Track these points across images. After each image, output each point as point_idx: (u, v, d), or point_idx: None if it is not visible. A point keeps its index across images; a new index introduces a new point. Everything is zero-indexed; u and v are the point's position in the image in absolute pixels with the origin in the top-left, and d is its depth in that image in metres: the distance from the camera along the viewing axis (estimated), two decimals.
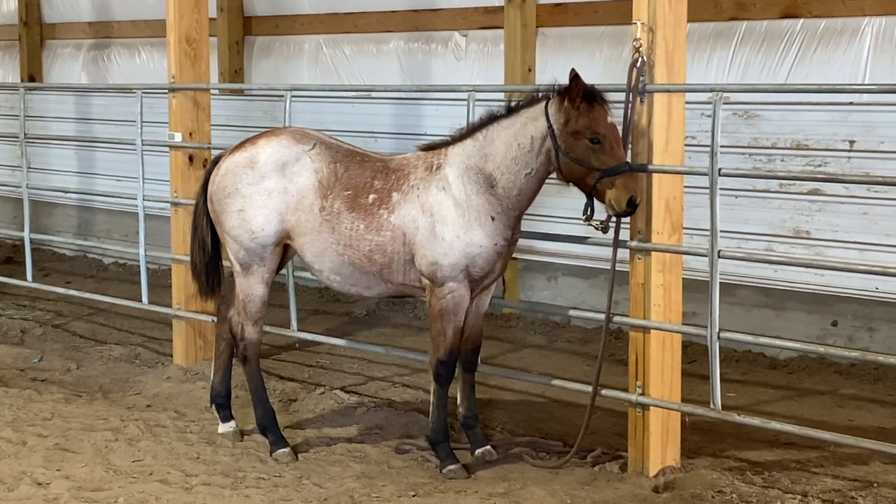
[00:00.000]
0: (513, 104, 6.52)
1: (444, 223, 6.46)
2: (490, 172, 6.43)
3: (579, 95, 6.16)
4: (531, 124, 6.36)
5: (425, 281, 6.57)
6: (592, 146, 6.15)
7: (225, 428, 7.38)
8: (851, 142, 8.56)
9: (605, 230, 6.48)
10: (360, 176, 6.71)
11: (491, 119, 6.53)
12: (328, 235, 6.71)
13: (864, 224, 8.52)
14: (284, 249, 7.01)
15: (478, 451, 6.92)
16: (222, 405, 7.42)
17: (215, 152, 9.57)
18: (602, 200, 6.26)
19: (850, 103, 8.68)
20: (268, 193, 6.79)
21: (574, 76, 6.18)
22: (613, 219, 6.43)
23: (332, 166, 6.77)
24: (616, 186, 6.14)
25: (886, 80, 8.79)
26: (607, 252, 6.68)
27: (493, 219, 6.45)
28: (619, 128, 6.30)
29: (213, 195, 7.05)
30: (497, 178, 6.42)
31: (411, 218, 6.54)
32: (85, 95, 14.10)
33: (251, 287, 7.00)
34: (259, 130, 11.59)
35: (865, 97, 8.73)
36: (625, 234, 6.60)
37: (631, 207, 6.17)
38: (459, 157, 6.53)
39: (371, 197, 6.64)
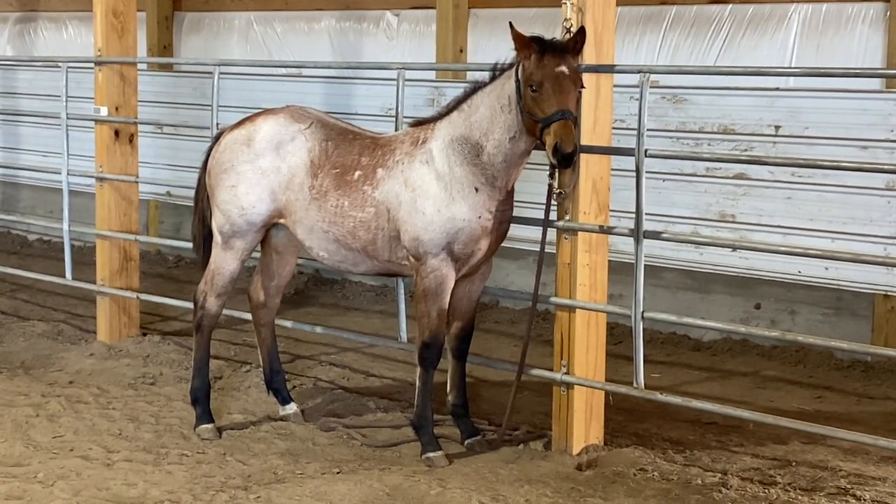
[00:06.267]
0: (497, 71, 6.35)
1: (425, 197, 6.35)
2: (476, 140, 6.29)
3: (521, 45, 6.04)
4: (507, 84, 6.22)
5: (412, 259, 6.47)
6: (533, 94, 5.99)
7: (286, 410, 7.29)
8: (777, 127, 8.66)
9: (557, 195, 6.43)
10: (349, 154, 6.66)
11: (475, 88, 6.40)
12: (315, 213, 6.65)
13: (788, 209, 8.65)
14: (266, 233, 6.97)
15: (467, 442, 6.80)
16: (279, 389, 7.34)
17: (142, 128, 9.51)
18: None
19: (777, 89, 8.79)
20: (262, 172, 6.75)
21: (510, 28, 6.06)
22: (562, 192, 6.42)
23: (324, 144, 6.71)
24: (549, 134, 5.95)
25: (812, 65, 8.90)
26: (536, 233, 6.69)
27: (476, 190, 6.31)
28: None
29: (211, 169, 7.00)
30: (483, 144, 6.27)
31: (394, 193, 6.45)
32: (10, 69, 13.87)
33: (226, 261, 6.95)
34: (187, 107, 11.68)
35: (791, 83, 8.84)
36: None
37: (558, 155, 5.90)
38: (445, 129, 6.41)
39: (357, 174, 6.58)
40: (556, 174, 6.38)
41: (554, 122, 5.93)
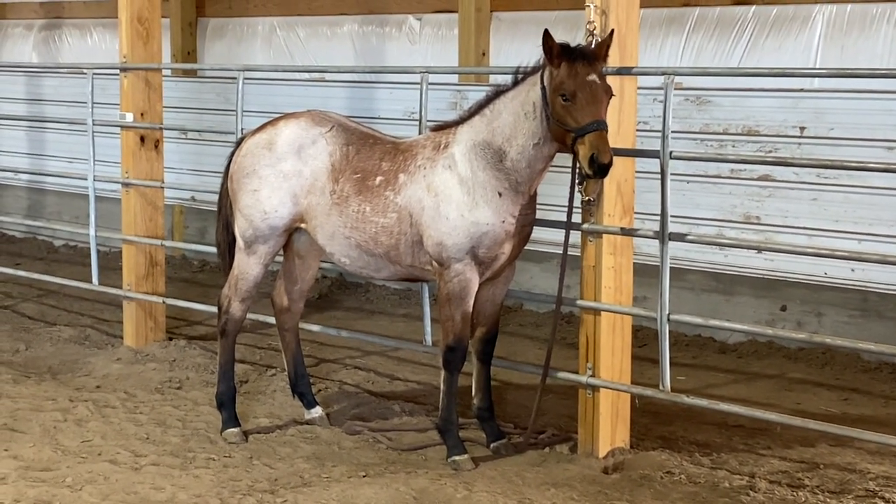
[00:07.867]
0: (519, 76, 6.33)
1: (448, 202, 6.32)
2: (499, 146, 6.26)
3: (552, 53, 5.99)
4: (532, 91, 6.17)
5: (435, 264, 6.45)
6: (564, 104, 5.93)
7: (312, 414, 7.32)
8: (802, 128, 8.63)
9: (586, 202, 6.43)
10: (370, 158, 6.64)
11: (497, 93, 6.37)
12: (336, 218, 6.65)
13: (814, 210, 8.61)
14: (288, 237, 6.98)
15: (493, 445, 6.79)
16: (304, 393, 7.37)
17: (167, 133, 9.55)
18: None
19: (801, 90, 8.76)
20: (283, 176, 6.75)
21: (544, 34, 6.01)
22: (591, 200, 6.42)
23: (345, 149, 6.70)
24: (584, 144, 5.89)
25: (836, 66, 8.86)
26: (560, 236, 6.68)
27: (500, 195, 6.28)
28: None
29: (233, 174, 7.01)
30: (506, 150, 6.24)
31: (417, 198, 6.43)
32: (35, 76, 13.96)
33: (249, 266, 6.97)
34: (212, 112, 11.74)
35: (816, 84, 8.81)
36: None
37: (595, 166, 5.83)
38: (467, 134, 6.38)
39: (378, 179, 6.56)
40: (579, 175, 6.32)
41: (589, 132, 5.88)
